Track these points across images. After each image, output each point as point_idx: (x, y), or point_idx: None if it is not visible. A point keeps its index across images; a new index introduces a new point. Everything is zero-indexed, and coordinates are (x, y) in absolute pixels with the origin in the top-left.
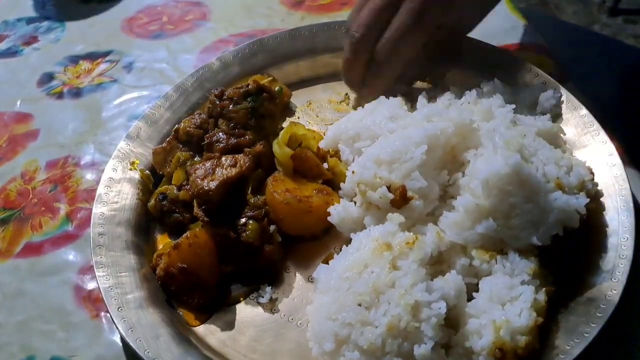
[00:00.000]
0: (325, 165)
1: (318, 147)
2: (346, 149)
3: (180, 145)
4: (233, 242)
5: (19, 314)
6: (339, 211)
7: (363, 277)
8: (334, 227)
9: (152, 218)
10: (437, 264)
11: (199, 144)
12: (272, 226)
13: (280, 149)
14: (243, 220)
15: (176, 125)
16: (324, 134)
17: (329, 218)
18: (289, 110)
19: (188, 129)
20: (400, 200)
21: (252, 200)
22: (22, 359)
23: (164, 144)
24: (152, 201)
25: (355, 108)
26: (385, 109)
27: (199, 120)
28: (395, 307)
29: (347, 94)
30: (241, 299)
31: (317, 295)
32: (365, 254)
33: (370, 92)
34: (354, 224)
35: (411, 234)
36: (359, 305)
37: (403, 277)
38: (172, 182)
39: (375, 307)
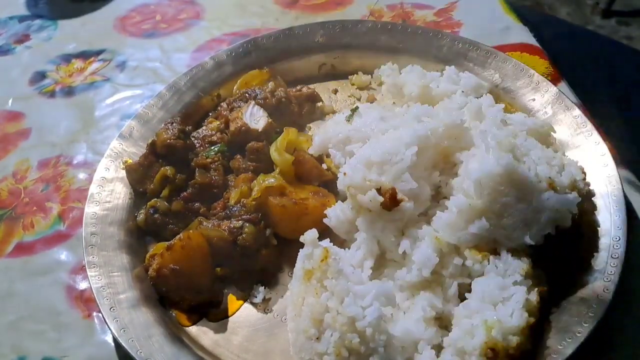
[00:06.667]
0: (324, 166)
1: None
2: (337, 152)
3: (160, 160)
4: (229, 245)
5: (10, 314)
6: (336, 213)
7: (304, 311)
8: (330, 229)
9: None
10: None
11: (183, 154)
12: (267, 230)
13: (280, 156)
14: (239, 223)
15: (151, 139)
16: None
17: (325, 220)
18: None
19: (169, 141)
20: (390, 202)
21: (247, 202)
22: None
23: (140, 160)
24: (142, 216)
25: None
26: (376, 110)
27: (176, 130)
28: (335, 331)
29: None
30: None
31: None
32: (300, 286)
33: None
34: (351, 226)
35: (321, 248)
36: (310, 339)
37: (331, 297)
38: (161, 197)
39: (322, 335)
